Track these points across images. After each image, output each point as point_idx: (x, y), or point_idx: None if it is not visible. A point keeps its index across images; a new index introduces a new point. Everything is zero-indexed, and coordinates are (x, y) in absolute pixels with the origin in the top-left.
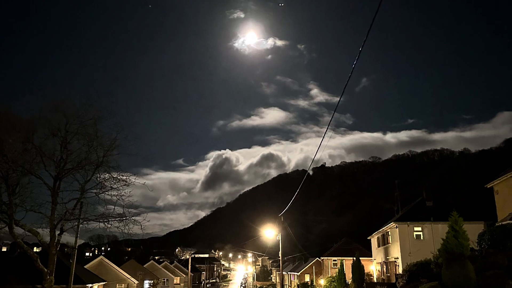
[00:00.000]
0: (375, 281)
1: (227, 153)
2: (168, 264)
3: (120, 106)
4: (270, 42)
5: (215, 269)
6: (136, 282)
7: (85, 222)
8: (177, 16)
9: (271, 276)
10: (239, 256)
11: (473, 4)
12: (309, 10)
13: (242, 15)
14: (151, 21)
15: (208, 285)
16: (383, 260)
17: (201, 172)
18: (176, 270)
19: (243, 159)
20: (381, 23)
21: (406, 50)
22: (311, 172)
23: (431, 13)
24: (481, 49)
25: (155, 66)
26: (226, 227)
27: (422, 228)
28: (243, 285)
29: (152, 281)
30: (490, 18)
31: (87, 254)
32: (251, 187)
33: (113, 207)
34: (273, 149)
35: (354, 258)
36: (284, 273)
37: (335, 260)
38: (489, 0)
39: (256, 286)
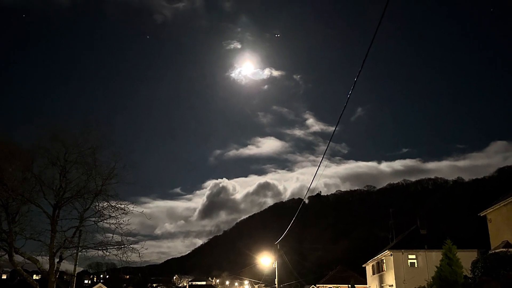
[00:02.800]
0: None
1: (224, 182)
2: None
3: (118, 134)
4: (267, 72)
5: None
6: None
7: (83, 250)
8: (174, 46)
9: None
10: (236, 284)
11: (467, 36)
12: (305, 41)
13: (239, 46)
14: (149, 51)
15: None
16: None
17: (198, 200)
18: None
19: (240, 187)
20: (375, 54)
21: (401, 80)
22: (307, 201)
23: (426, 45)
24: (475, 80)
25: (153, 95)
26: (223, 254)
27: (416, 256)
28: None
29: None
30: (484, 50)
31: (86, 281)
32: (247, 216)
33: (112, 235)
34: (269, 178)
35: (349, 286)
36: None
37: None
38: (483, 32)
39: None
